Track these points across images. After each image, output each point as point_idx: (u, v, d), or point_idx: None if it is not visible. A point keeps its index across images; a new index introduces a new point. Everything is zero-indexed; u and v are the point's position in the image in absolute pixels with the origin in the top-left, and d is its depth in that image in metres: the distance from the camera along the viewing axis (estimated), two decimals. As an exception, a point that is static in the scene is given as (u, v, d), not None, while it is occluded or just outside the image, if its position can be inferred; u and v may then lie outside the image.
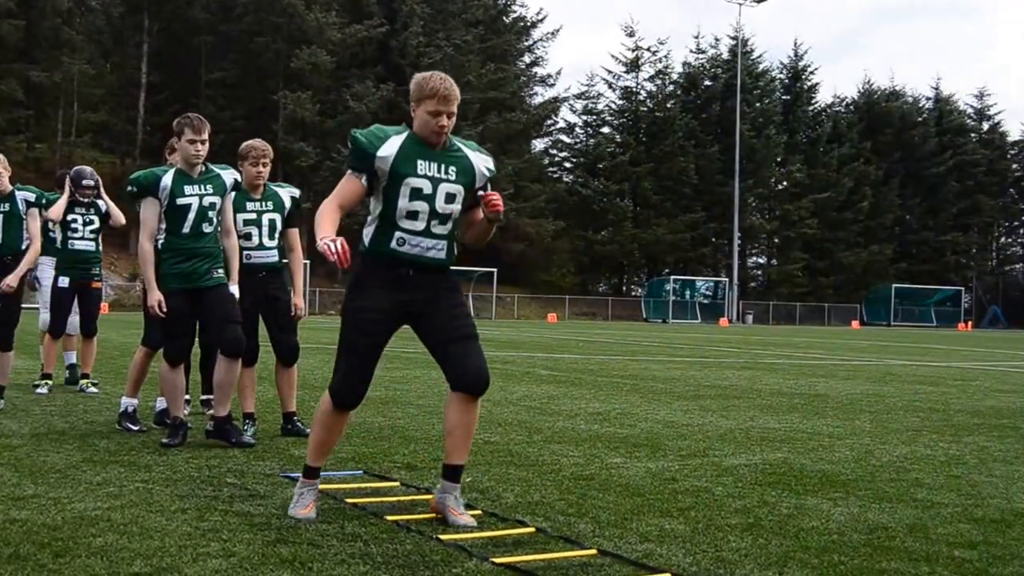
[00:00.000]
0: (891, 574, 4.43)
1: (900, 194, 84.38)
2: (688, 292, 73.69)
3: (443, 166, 5.17)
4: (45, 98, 61.51)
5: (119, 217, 11.08)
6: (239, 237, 7.95)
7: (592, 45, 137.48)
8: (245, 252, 8.04)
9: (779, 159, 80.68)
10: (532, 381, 13.97)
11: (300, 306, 8.30)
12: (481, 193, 5.28)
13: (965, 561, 4.66)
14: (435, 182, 5.13)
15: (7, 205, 9.66)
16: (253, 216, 8.14)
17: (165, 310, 7.39)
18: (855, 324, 70.52)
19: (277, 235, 8.25)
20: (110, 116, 63.09)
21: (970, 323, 76.76)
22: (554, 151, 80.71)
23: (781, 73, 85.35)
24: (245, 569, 4.17)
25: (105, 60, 64.84)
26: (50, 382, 11.03)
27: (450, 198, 5.16)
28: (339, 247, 4.70)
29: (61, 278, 10.56)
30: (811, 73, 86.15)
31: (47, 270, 11.39)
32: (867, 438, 8.87)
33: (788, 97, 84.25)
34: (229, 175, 7.75)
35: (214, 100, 64.22)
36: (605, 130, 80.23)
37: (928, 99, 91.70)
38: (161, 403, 8.50)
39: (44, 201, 10.80)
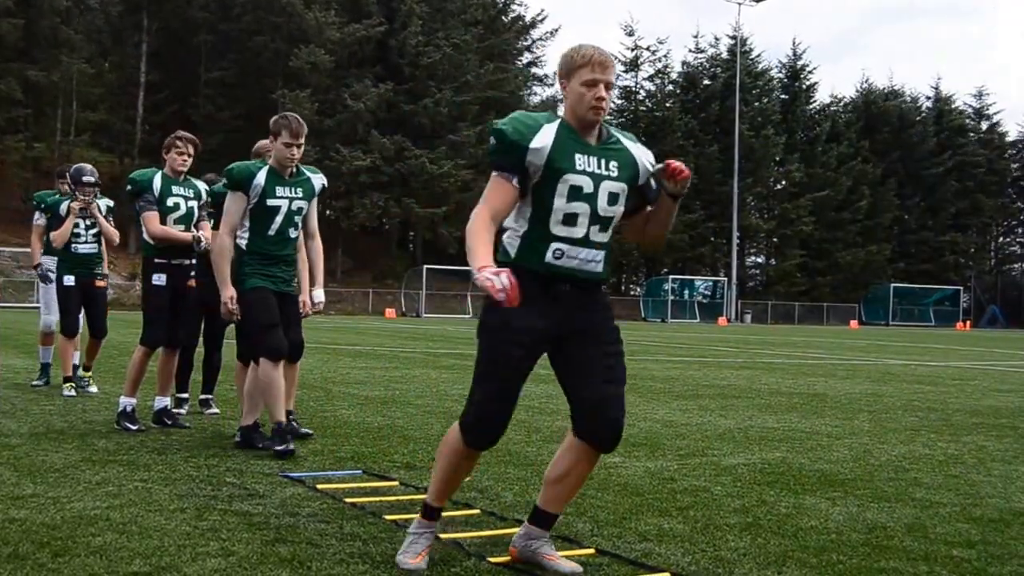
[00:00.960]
0: (889, 573, 4.44)
1: (898, 193, 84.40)
2: (687, 291, 73.67)
3: (603, 161, 4.32)
4: (44, 97, 61.48)
5: (112, 237, 10.70)
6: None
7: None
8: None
9: (778, 158, 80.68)
10: (530, 380, 13.87)
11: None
12: (659, 166, 4.49)
13: (963, 560, 4.66)
14: (596, 179, 4.29)
15: None
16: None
17: (237, 306, 7.24)
18: (854, 324, 70.52)
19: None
20: (109, 115, 63.09)
21: (968, 323, 76.76)
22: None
23: (780, 73, 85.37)
24: (244, 568, 4.17)
25: (104, 59, 64.82)
26: (73, 382, 10.70)
27: (613, 199, 4.33)
28: (506, 281, 3.82)
29: (67, 277, 10.37)
30: (810, 73, 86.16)
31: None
32: (866, 437, 8.87)
33: (787, 97, 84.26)
34: (319, 179, 7.56)
35: (213, 99, 64.27)
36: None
37: (927, 99, 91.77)
38: (160, 402, 8.51)
39: (43, 205, 10.94)
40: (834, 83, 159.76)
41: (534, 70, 77.95)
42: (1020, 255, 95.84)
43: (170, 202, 8.37)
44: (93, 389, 10.92)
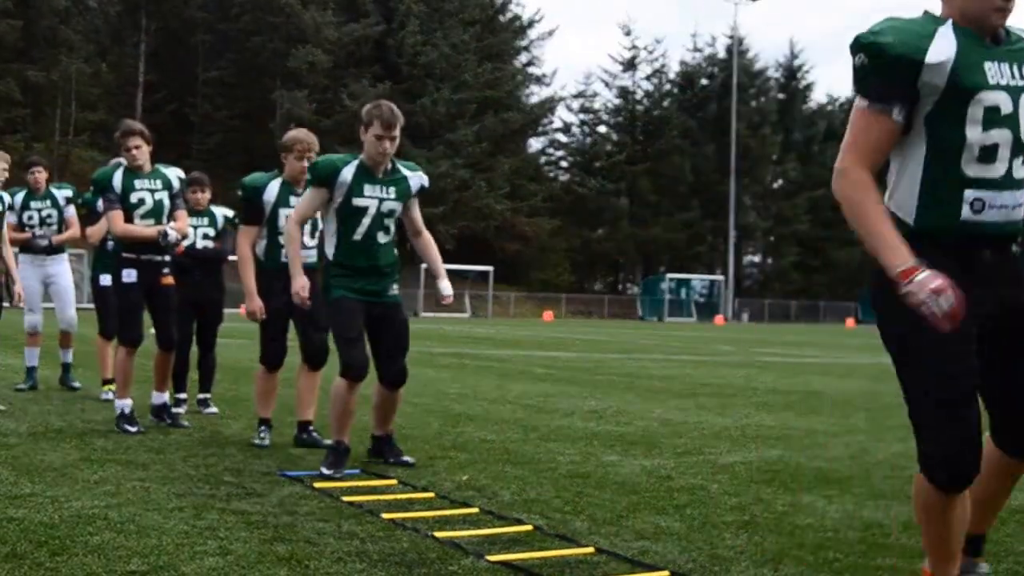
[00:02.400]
0: (886, 571, 4.45)
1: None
2: (684, 290, 73.60)
3: (1018, 65, 3.29)
4: (43, 97, 61.38)
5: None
6: (279, 234, 7.32)
7: (589, 44, 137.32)
8: (283, 250, 7.18)
9: (774, 157, 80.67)
10: (528, 379, 13.97)
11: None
12: None
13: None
14: (1015, 93, 3.24)
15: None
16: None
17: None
18: (850, 322, 70.47)
19: (318, 234, 7.33)
20: (108, 115, 62.90)
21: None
22: (551, 150, 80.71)
23: (777, 72, 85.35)
24: (242, 567, 4.18)
25: (102, 59, 64.69)
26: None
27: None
28: (951, 302, 3.03)
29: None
30: (806, 72, 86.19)
31: (27, 268, 10.65)
32: (862, 435, 8.88)
33: (784, 96, 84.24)
34: (418, 178, 6.78)
35: (211, 99, 64.22)
36: (602, 129, 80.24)
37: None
38: (158, 398, 8.45)
39: (80, 200, 10.60)
40: (831, 83, 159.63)
41: (531, 70, 77.84)
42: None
43: (134, 198, 8.04)
44: (110, 396, 10.20)
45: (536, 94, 77.69)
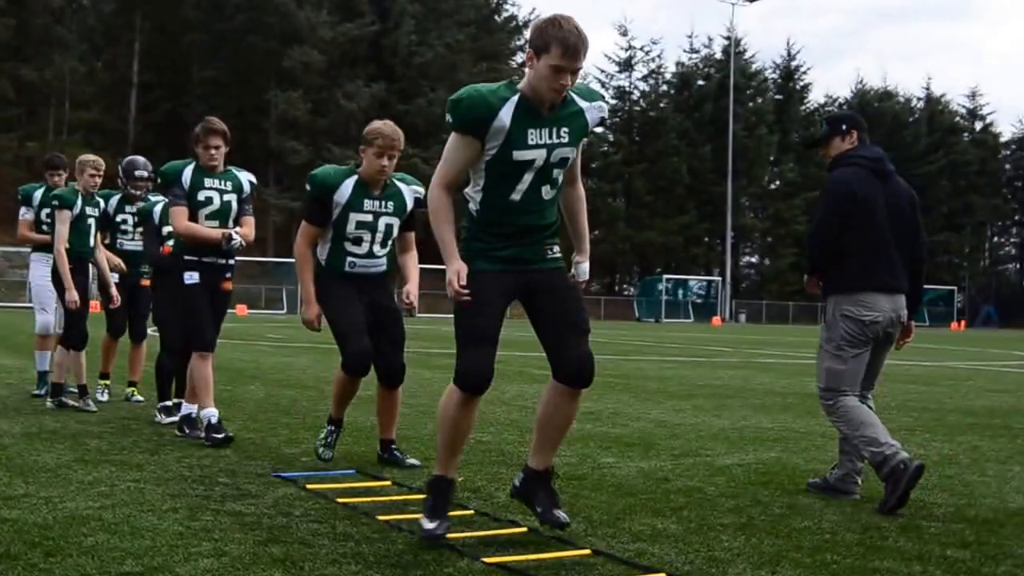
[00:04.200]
0: (884, 573, 4.43)
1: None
2: (681, 291, 73.68)
3: None
4: (36, 96, 61.44)
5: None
6: (346, 240, 6.66)
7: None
8: (349, 260, 6.68)
9: (772, 158, 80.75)
10: (525, 380, 13.95)
11: (413, 297, 7.03)
12: None
13: (958, 560, 4.66)
14: None
15: (97, 209, 9.58)
16: (369, 218, 6.67)
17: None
18: (847, 323, 70.52)
19: (391, 243, 6.89)
20: (102, 114, 63.04)
21: (963, 323, 76.82)
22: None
23: (774, 73, 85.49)
24: (236, 568, 4.16)
25: (96, 58, 64.80)
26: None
27: None
28: None
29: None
30: (804, 73, 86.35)
31: (40, 267, 10.51)
32: (859, 437, 8.85)
33: (781, 97, 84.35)
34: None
35: (206, 99, 64.15)
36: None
37: (919, 99, 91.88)
38: (188, 408, 7.93)
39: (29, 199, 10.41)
40: (828, 84, 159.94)
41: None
42: (1014, 255, 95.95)
43: (201, 196, 7.72)
44: (139, 398, 10.00)
45: (533, 94, 77.68)
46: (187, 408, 7.93)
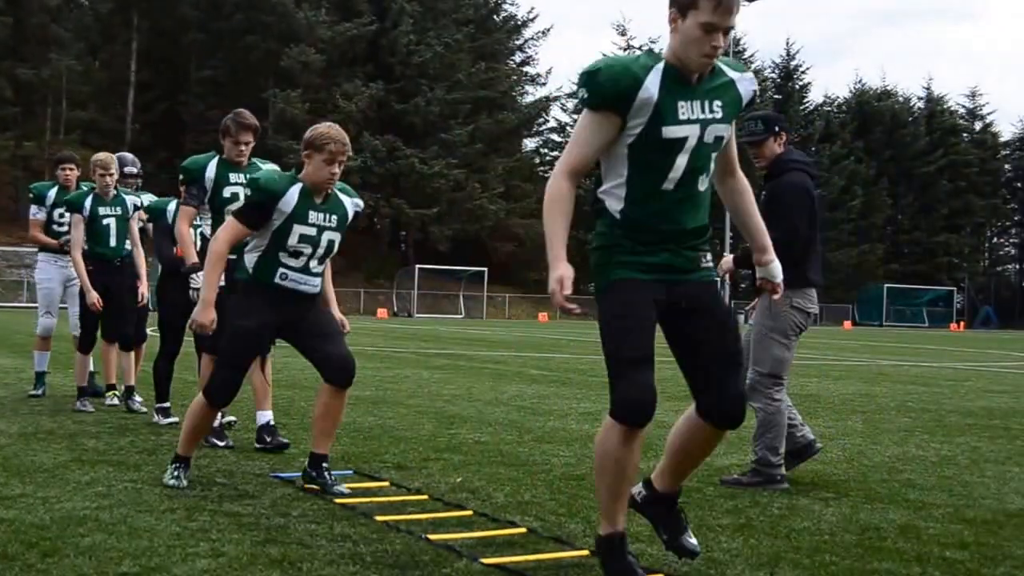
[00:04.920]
0: (882, 574, 4.43)
1: (891, 193, 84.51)
2: (679, 292, 73.66)
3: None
4: (33, 95, 61.34)
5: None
6: (283, 251, 5.97)
7: (584, 43, 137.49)
8: (281, 271, 6.01)
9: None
10: (523, 381, 13.95)
11: (346, 324, 6.56)
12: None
13: (956, 562, 4.65)
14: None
15: (118, 208, 9.41)
16: (312, 232, 6.02)
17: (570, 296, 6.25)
18: (847, 324, 70.60)
19: (328, 261, 6.32)
20: (99, 114, 62.94)
21: (962, 323, 76.83)
22: (545, 150, 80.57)
23: (773, 72, 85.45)
24: (234, 569, 4.15)
25: (94, 57, 64.69)
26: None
27: None
28: None
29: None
30: (803, 73, 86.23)
31: (46, 269, 10.33)
32: (859, 438, 8.86)
33: (780, 96, 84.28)
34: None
35: (203, 98, 64.13)
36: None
37: (919, 99, 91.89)
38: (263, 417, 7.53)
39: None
40: (827, 83, 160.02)
41: (526, 69, 77.84)
42: (1013, 256, 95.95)
43: (226, 192, 7.32)
44: (139, 399, 9.61)
45: (531, 94, 77.73)
46: (262, 417, 7.47)
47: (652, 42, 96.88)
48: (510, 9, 78.25)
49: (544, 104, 76.21)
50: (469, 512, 5.40)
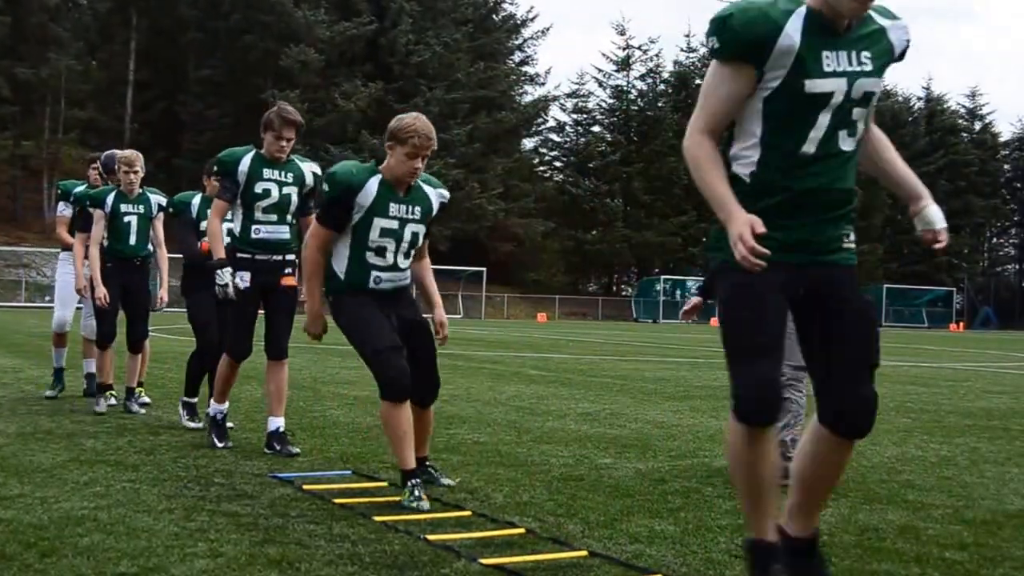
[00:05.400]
0: (881, 575, 4.42)
1: (890, 193, 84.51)
2: (679, 292, 73.62)
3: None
4: (32, 95, 61.33)
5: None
6: (370, 251, 5.83)
7: (582, 43, 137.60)
8: (374, 275, 5.86)
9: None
10: (521, 381, 13.94)
11: (445, 328, 6.11)
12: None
13: (956, 563, 4.64)
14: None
15: (141, 207, 9.26)
16: (394, 225, 5.84)
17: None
18: (844, 324, 70.55)
19: (414, 253, 6.05)
20: (97, 113, 62.94)
21: (962, 324, 76.83)
22: (544, 150, 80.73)
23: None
24: (232, 569, 4.14)
25: (92, 57, 64.71)
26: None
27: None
28: None
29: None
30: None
31: (66, 266, 10.30)
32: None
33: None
34: (438, 197, 6.05)
35: (202, 97, 64.13)
36: (595, 129, 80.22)
37: (919, 99, 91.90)
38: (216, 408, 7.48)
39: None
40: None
41: (525, 69, 77.88)
42: (1013, 256, 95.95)
43: (259, 187, 7.15)
44: (146, 399, 9.75)
45: (529, 93, 77.78)
46: (214, 408, 7.49)
47: (652, 41, 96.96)
48: (509, 9, 78.37)
49: (543, 104, 76.26)
50: (468, 512, 5.39)
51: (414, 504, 5.44)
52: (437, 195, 6.02)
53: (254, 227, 7.19)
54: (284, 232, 7.30)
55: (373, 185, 5.73)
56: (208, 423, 7.51)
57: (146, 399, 9.70)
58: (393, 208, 5.77)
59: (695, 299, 6.99)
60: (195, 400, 8.45)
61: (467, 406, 10.46)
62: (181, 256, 8.54)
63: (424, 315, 6.11)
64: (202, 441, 7.58)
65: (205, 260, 7.65)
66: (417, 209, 5.87)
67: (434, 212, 5.99)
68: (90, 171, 10.29)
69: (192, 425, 8.25)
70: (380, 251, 5.81)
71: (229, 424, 7.88)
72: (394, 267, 5.88)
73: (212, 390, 7.64)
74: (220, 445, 7.25)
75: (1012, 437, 9.28)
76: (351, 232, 5.76)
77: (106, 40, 66.14)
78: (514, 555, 4.52)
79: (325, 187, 5.85)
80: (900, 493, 6.33)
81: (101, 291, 8.99)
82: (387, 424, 5.69)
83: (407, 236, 5.86)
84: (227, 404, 7.53)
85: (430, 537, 4.75)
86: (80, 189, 10.15)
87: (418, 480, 5.63)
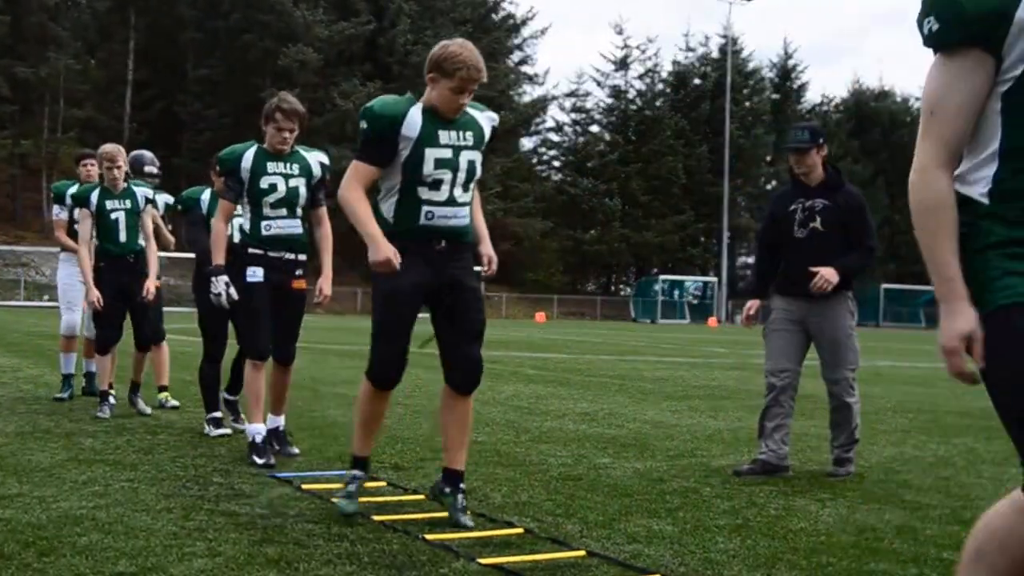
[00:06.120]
0: (879, 575, 4.42)
1: (888, 193, 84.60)
2: (677, 292, 73.65)
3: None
4: (31, 94, 61.29)
5: (167, 242, 9.84)
6: (424, 185, 5.20)
7: (581, 43, 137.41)
8: (426, 209, 5.22)
9: (768, 158, 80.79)
10: (520, 381, 13.94)
11: (493, 261, 5.60)
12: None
13: (953, 563, 4.63)
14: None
15: (127, 202, 8.98)
16: (448, 154, 5.23)
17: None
18: (843, 324, 70.57)
19: (472, 186, 5.41)
20: (96, 112, 62.88)
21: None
22: (543, 150, 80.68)
23: (771, 72, 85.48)
24: (231, 569, 4.14)
25: (91, 56, 64.62)
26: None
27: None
28: None
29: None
30: (800, 72, 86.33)
31: (67, 267, 10.20)
32: (855, 438, 8.85)
33: (777, 96, 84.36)
34: (488, 120, 5.45)
35: (201, 97, 64.08)
36: (594, 129, 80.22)
37: (917, 99, 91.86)
38: (273, 421, 7.21)
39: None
40: (825, 83, 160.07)
41: (524, 69, 77.86)
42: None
43: (264, 183, 6.88)
44: (174, 403, 9.58)
45: (528, 93, 77.76)
46: (272, 421, 7.17)
47: (650, 41, 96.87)
48: (508, 8, 78.41)
49: (542, 104, 76.28)
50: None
51: (342, 503, 5.23)
52: (487, 118, 5.43)
53: (264, 223, 6.92)
54: (296, 226, 7.02)
55: (416, 114, 5.14)
56: (248, 446, 6.89)
57: (174, 402, 9.53)
58: (443, 135, 5.16)
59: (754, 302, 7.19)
60: (220, 415, 8.12)
61: (465, 406, 10.44)
62: (193, 256, 8.44)
63: (476, 282, 5.49)
64: (201, 441, 7.59)
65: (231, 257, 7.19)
66: (469, 134, 5.26)
67: (487, 137, 5.36)
68: (80, 168, 10.20)
69: (218, 432, 7.91)
70: (435, 184, 5.18)
71: (226, 430, 7.86)
72: (450, 201, 5.22)
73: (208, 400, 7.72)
74: (260, 462, 6.65)
75: (1009, 438, 9.27)
76: (401, 169, 5.15)
77: (105, 39, 66.10)
78: (512, 555, 4.52)
79: (363, 124, 5.18)
80: (898, 493, 6.34)
81: (95, 294, 8.80)
82: (361, 404, 5.45)
83: (463, 165, 5.23)
84: (263, 425, 6.96)
85: (428, 537, 4.76)
86: (73, 191, 10.06)
87: (362, 474, 5.38)
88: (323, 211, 7.19)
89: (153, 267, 9.05)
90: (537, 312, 61.14)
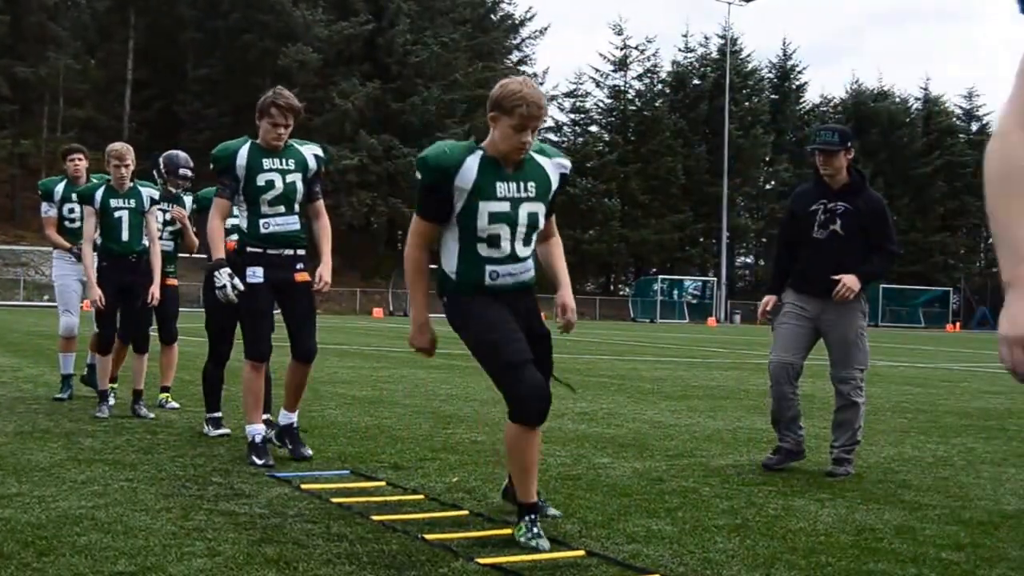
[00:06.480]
0: (878, 575, 4.42)
1: (888, 194, 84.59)
2: (676, 292, 73.71)
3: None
4: (31, 93, 61.36)
5: (191, 244, 9.77)
6: (482, 241, 4.92)
7: (580, 43, 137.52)
8: (490, 270, 4.98)
9: (767, 158, 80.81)
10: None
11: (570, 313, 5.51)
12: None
13: (952, 563, 4.65)
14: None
15: (132, 201, 8.87)
16: (505, 208, 4.91)
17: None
18: (842, 324, 70.56)
19: (535, 240, 5.14)
20: (96, 112, 62.94)
21: (958, 324, 76.86)
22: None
23: (769, 72, 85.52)
24: (230, 568, 4.14)
25: (91, 56, 64.71)
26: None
27: None
28: None
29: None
30: (799, 73, 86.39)
31: (62, 266, 10.09)
32: (854, 439, 8.85)
33: (776, 97, 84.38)
34: (556, 168, 5.10)
35: (200, 96, 64.18)
36: (593, 129, 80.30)
37: (916, 100, 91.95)
38: (286, 417, 7.08)
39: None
40: (824, 84, 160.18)
41: (523, 68, 77.87)
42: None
43: (261, 180, 6.76)
44: (173, 404, 9.58)
45: (528, 94, 77.63)
46: (285, 418, 7.06)
47: (649, 41, 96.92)
48: (507, 8, 78.42)
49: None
50: (465, 512, 5.39)
51: (533, 543, 4.69)
52: (555, 165, 5.08)
53: (262, 221, 6.78)
54: (294, 223, 6.87)
55: (473, 164, 4.84)
56: (247, 446, 6.83)
57: (174, 404, 9.51)
58: (501, 188, 4.85)
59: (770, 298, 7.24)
60: (220, 415, 8.05)
61: (464, 405, 10.46)
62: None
63: (546, 328, 5.32)
64: (200, 440, 7.59)
65: (232, 257, 6.98)
66: (531, 185, 4.93)
67: (554, 186, 5.04)
68: (66, 164, 10.10)
69: (218, 432, 7.87)
70: (493, 240, 4.89)
71: (225, 430, 7.86)
72: (512, 257, 4.94)
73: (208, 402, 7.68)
74: (260, 463, 6.58)
75: (1009, 437, 9.29)
76: (456, 223, 4.89)
77: (105, 39, 66.17)
78: (511, 554, 4.52)
79: (418, 175, 4.94)
80: (897, 493, 6.34)
81: (96, 292, 8.72)
82: (513, 450, 4.95)
83: (523, 218, 4.90)
84: (263, 425, 6.93)
85: (427, 536, 4.75)
86: (60, 187, 10.02)
87: (536, 516, 4.84)
88: (320, 204, 7.09)
89: (156, 270, 8.98)
90: (536, 312, 61.08)
